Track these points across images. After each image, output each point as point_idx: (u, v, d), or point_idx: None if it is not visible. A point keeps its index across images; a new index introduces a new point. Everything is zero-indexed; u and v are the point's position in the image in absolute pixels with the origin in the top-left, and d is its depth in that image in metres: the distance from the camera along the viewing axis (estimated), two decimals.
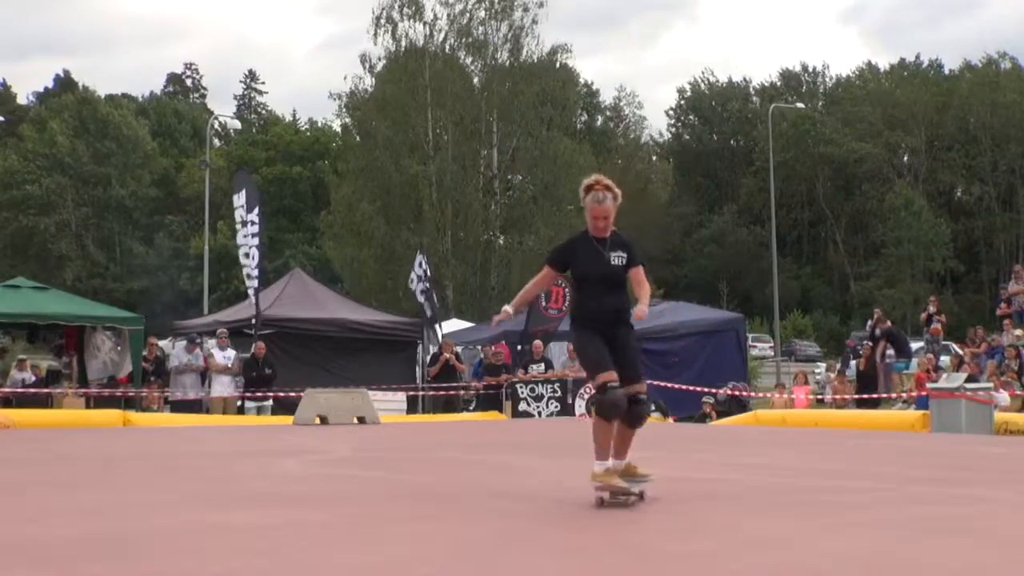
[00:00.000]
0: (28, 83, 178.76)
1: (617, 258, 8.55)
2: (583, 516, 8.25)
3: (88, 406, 25.29)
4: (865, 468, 12.64)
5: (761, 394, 30.07)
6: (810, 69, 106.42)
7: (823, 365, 44.87)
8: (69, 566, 6.04)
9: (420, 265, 30.14)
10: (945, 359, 27.02)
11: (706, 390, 27.36)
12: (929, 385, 22.53)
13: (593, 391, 8.73)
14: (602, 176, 8.69)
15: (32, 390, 26.47)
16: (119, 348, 28.22)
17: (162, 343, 29.87)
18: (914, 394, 24.44)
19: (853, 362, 29.84)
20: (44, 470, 12.22)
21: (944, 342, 31.05)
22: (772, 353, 58.33)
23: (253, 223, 27.83)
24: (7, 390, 26.49)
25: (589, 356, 8.51)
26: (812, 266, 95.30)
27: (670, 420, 26.70)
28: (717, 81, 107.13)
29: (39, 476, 11.42)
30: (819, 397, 28.89)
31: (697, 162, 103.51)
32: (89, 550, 6.57)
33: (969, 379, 21.96)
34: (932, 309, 30.69)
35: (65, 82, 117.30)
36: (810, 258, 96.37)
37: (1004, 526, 7.80)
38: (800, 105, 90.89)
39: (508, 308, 9.01)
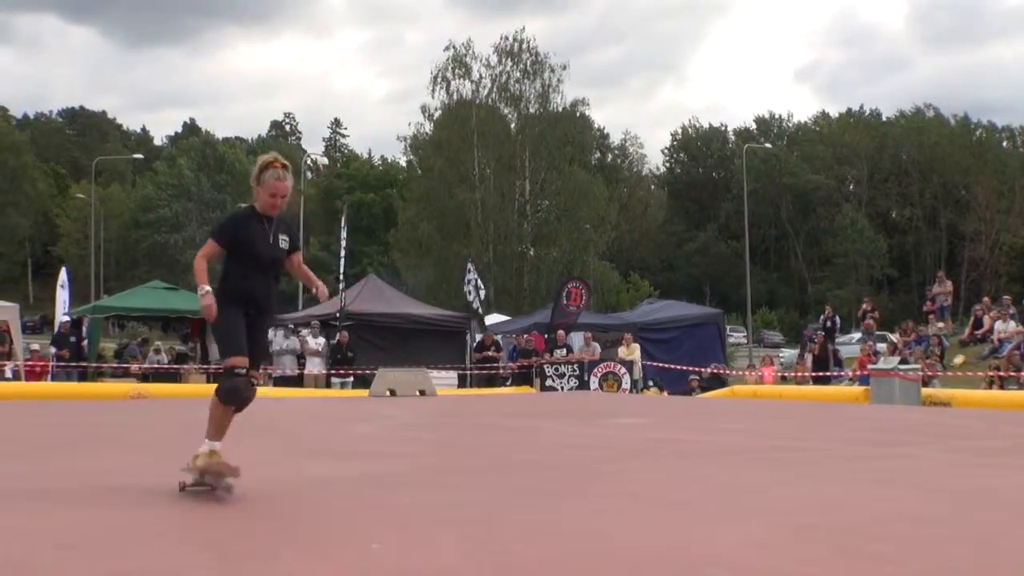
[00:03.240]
0: (162, 129, 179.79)
1: (282, 241, 6.81)
2: (595, 468, 8.21)
3: (208, 381, 25.36)
4: (819, 432, 12.58)
5: (737, 372, 29.87)
6: (776, 116, 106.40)
7: (787, 350, 44.60)
8: (192, 504, 6.06)
9: (470, 271, 30.18)
10: (882, 346, 26.86)
11: (693, 369, 27.28)
12: (869, 366, 22.44)
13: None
14: (279, 155, 6.82)
15: (165, 367, 26.64)
16: None
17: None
18: (858, 373, 24.30)
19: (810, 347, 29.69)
20: (172, 431, 12.25)
21: (880, 332, 30.88)
22: (746, 341, 58.06)
23: (343, 239, 28.30)
24: (146, 367, 26.68)
25: (228, 336, 6.59)
26: (777, 272, 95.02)
27: (665, 394, 26.66)
28: (702, 126, 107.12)
29: (168, 435, 11.44)
30: (783, 375, 28.74)
31: (686, 190, 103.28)
32: (210, 494, 6.57)
33: (901, 362, 21.88)
34: (867, 308, 30.49)
35: (191, 128, 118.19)
36: (776, 266, 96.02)
37: (932, 477, 7.74)
38: (768, 145, 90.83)
39: (205, 288, 6.64)
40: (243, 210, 6.93)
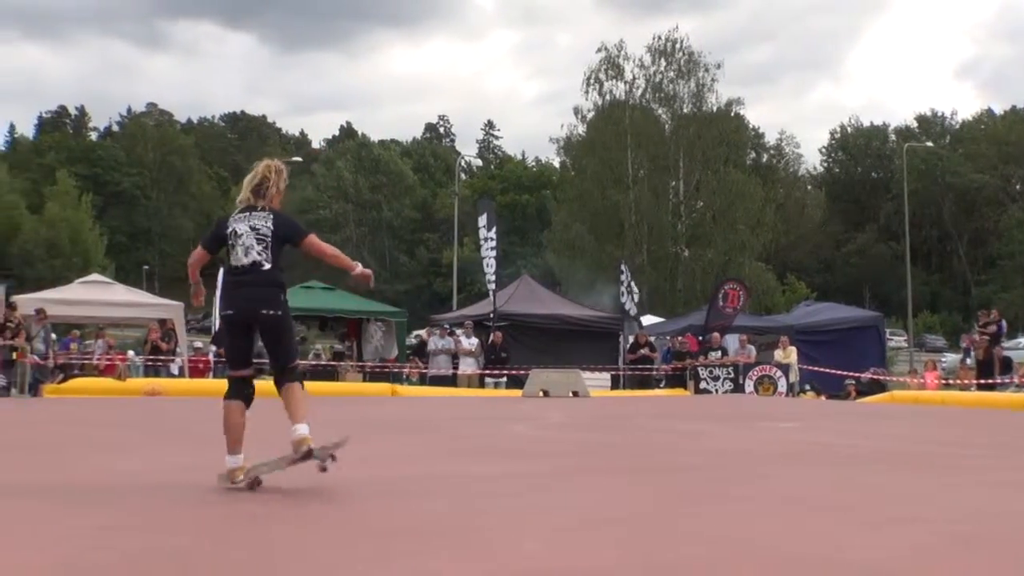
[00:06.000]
0: (319, 132, 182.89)
1: None
2: (748, 471, 8.13)
3: (364, 380, 25.81)
4: (984, 438, 12.24)
5: (897, 378, 29.23)
6: (938, 114, 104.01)
7: (949, 355, 43.43)
8: (350, 502, 6.18)
9: (623, 273, 30.08)
10: None
11: (851, 374, 26.80)
12: None
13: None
14: None
15: (322, 364, 27.20)
16: (388, 335, 28.78)
17: (421, 332, 30.29)
18: None
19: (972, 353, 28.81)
20: (330, 430, 12.47)
21: None
22: (906, 345, 56.87)
23: (492, 239, 28.26)
24: (304, 364, 27.28)
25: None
26: (939, 274, 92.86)
27: (822, 398, 26.25)
28: (861, 124, 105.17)
29: (326, 433, 11.64)
30: (946, 381, 28.02)
31: (844, 190, 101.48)
32: (367, 491, 6.70)
33: None
34: (982, 320, 28.88)
35: (347, 131, 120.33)
36: (938, 267, 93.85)
37: None
38: (929, 144, 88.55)
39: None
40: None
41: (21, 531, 5.03)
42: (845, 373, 26.78)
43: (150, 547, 4.65)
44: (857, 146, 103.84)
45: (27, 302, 24.50)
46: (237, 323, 6.66)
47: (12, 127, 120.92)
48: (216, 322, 27.28)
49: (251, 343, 6.74)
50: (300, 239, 6.85)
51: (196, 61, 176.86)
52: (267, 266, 6.63)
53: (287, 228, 6.82)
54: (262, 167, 6.93)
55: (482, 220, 29.45)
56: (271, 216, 6.75)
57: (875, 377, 27.72)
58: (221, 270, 7.00)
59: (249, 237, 6.64)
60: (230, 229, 6.71)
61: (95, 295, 26.75)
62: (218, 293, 7.79)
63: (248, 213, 6.74)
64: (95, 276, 31.65)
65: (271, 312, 6.59)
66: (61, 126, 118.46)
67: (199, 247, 6.96)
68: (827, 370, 27.00)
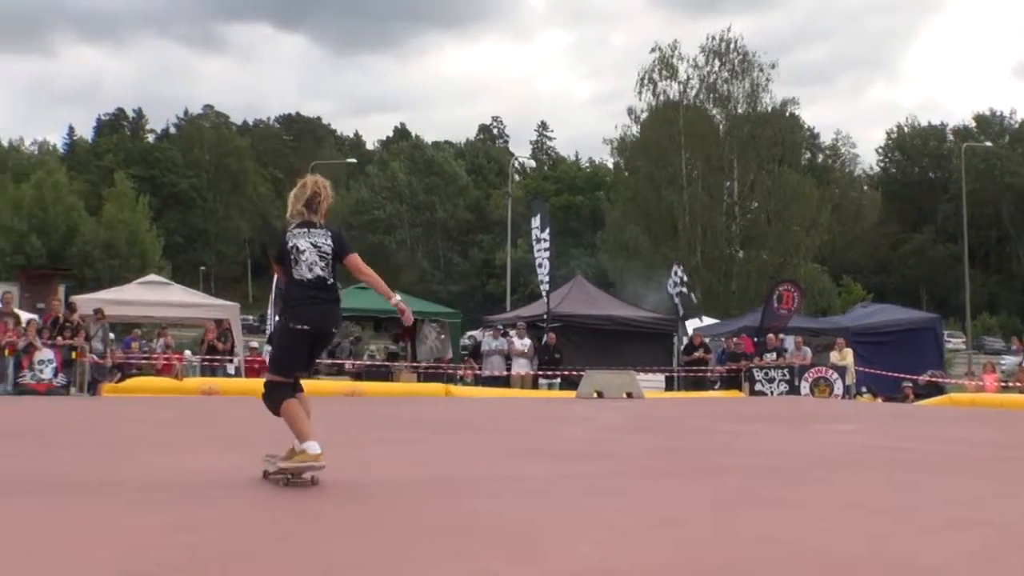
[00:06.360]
0: (373, 134, 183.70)
1: None
2: (805, 474, 8.09)
3: (419, 380, 25.88)
4: None
5: (955, 380, 28.91)
6: (997, 113, 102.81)
7: (1009, 357, 42.86)
8: (407, 502, 6.22)
9: (676, 273, 29.94)
10: None
11: (908, 376, 26.54)
12: None
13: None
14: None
15: (377, 364, 27.32)
16: (442, 336, 28.86)
17: (475, 332, 30.29)
18: None
19: None
20: (385, 429, 12.54)
21: None
22: (964, 347, 56.22)
23: (545, 240, 28.22)
24: (359, 363, 27.41)
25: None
26: (998, 275, 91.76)
27: (878, 400, 26.03)
28: (918, 124, 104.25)
29: (381, 433, 11.71)
30: (1005, 384, 27.68)
31: (901, 191, 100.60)
32: (422, 491, 6.74)
33: None
34: None
35: (401, 132, 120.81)
36: (996, 269, 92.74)
37: None
38: (988, 144, 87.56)
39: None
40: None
41: (87, 528, 5.11)
42: (902, 375, 26.53)
43: (213, 545, 4.72)
44: (914, 146, 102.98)
45: (86, 302, 24.80)
46: (309, 337, 6.88)
47: (71, 129, 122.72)
48: (271, 323, 27.55)
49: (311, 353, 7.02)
50: (346, 255, 7.13)
51: (251, 63, 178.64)
52: (331, 281, 6.98)
53: (341, 246, 7.10)
54: (311, 182, 7.15)
55: (535, 221, 29.43)
56: (329, 234, 7.02)
57: (933, 379, 27.42)
58: (275, 277, 7.27)
59: (312, 254, 6.88)
60: (291, 244, 6.90)
61: (153, 295, 27.01)
62: (272, 296, 8.07)
63: (307, 230, 6.96)
64: (152, 276, 31.95)
65: (335, 330, 7.25)
66: (119, 128, 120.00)
67: (277, 266, 7.16)
68: (884, 372, 26.77)
